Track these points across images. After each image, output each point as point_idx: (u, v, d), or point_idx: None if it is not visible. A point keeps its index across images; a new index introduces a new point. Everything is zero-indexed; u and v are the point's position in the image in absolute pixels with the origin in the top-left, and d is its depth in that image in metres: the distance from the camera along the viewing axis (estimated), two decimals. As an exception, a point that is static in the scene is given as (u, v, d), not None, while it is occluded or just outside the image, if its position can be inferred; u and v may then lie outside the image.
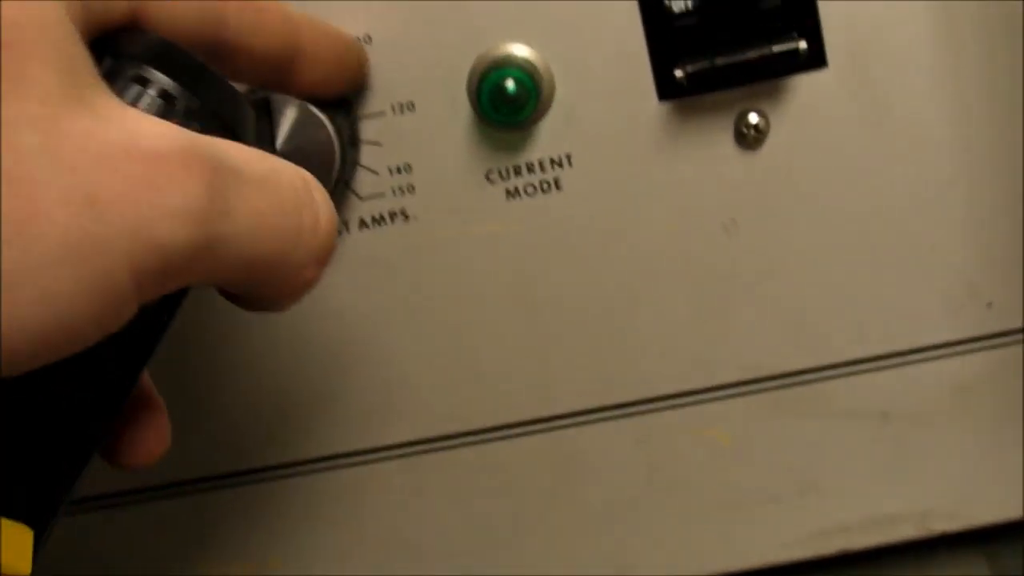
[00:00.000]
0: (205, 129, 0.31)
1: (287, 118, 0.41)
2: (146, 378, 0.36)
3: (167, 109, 0.31)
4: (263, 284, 0.32)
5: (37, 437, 0.30)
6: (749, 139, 0.43)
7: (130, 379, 0.33)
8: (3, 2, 0.26)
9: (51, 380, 0.30)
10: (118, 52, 0.31)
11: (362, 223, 0.44)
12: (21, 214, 0.25)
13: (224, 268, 0.29)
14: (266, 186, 0.30)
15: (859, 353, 0.45)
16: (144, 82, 0.31)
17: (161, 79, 0.31)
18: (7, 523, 0.29)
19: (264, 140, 0.41)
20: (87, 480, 0.32)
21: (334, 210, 0.33)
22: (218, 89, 0.32)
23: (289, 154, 0.41)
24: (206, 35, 0.34)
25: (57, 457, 0.31)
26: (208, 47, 0.34)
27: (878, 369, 0.45)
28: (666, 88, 0.43)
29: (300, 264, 0.32)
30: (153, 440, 0.35)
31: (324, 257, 0.33)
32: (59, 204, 0.25)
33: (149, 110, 0.30)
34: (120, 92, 0.30)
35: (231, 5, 0.35)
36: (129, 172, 0.26)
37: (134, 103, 0.30)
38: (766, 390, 0.46)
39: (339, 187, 0.42)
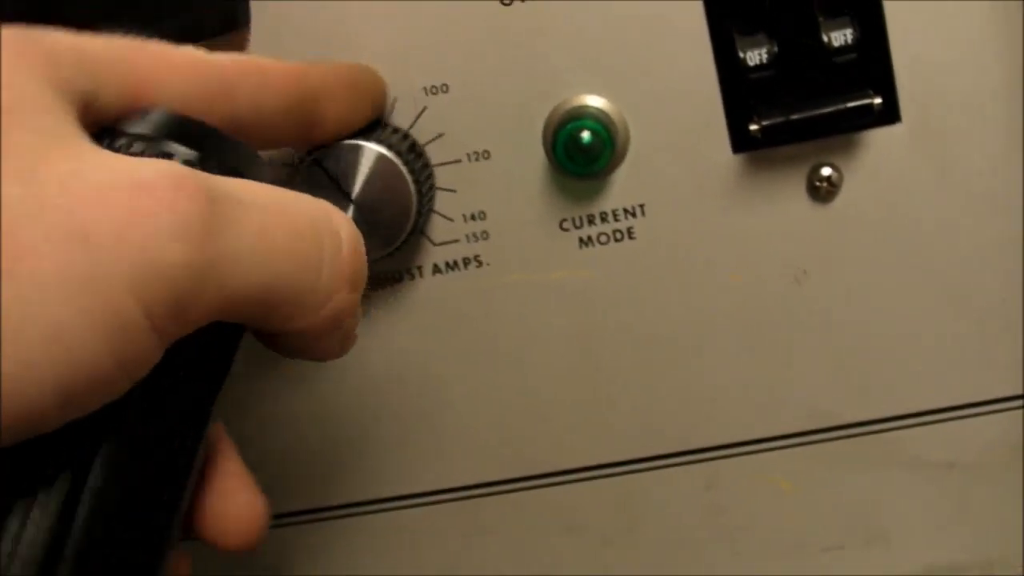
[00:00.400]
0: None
1: (363, 167, 0.42)
2: (228, 451, 0.35)
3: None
4: (293, 315, 0.31)
5: (112, 523, 0.30)
6: (822, 192, 0.44)
7: (191, 443, 0.33)
8: None
9: (116, 462, 0.30)
10: (119, 130, 0.31)
11: (435, 268, 0.45)
12: (9, 255, 0.25)
13: (239, 294, 0.29)
14: (271, 208, 0.30)
15: (925, 404, 0.46)
16: (146, 140, 0.31)
17: (162, 139, 0.31)
18: None
19: (341, 182, 0.42)
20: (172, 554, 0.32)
21: (358, 232, 0.33)
22: (222, 141, 0.32)
23: (366, 202, 0.42)
24: (217, 106, 0.34)
25: (136, 539, 0.30)
26: (224, 118, 0.34)
27: (944, 420, 0.46)
28: (740, 140, 0.43)
29: (328, 289, 0.32)
30: (243, 516, 0.34)
31: (355, 280, 0.33)
32: (47, 242, 0.26)
33: None
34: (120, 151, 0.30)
35: (229, 71, 0.35)
36: (117, 203, 0.27)
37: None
38: (833, 439, 0.46)
39: (414, 233, 0.43)
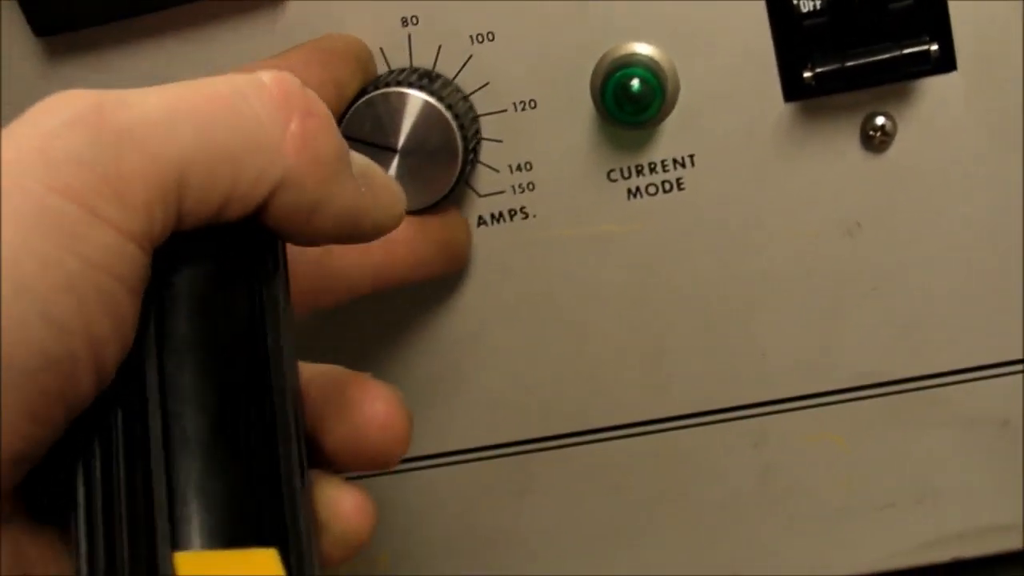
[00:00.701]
0: None
1: (409, 115, 0.41)
2: (328, 370, 0.34)
3: None
4: (259, 161, 0.29)
5: (224, 466, 0.28)
6: (875, 142, 0.43)
7: (269, 374, 0.30)
8: None
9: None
10: None
11: (481, 220, 0.44)
12: None
13: (174, 155, 0.28)
14: (174, 85, 0.29)
15: (979, 360, 0.45)
16: None
17: None
18: (247, 553, 0.27)
19: (379, 138, 0.41)
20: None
21: (283, 72, 0.31)
22: None
23: (411, 151, 0.41)
24: None
25: (252, 478, 0.28)
26: None
27: (998, 376, 0.45)
28: (793, 89, 0.42)
29: (269, 117, 0.29)
30: (380, 417, 0.32)
31: (302, 105, 0.30)
32: None
33: None
34: None
35: None
36: (18, 130, 0.27)
37: None
38: (885, 395, 0.45)
39: (459, 184, 0.42)
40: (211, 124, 0.29)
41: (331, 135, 0.31)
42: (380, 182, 0.33)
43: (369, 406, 0.33)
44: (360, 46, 0.43)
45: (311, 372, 0.33)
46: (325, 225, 0.31)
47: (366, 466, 0.33)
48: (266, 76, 0.30)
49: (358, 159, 0.32)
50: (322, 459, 0.32)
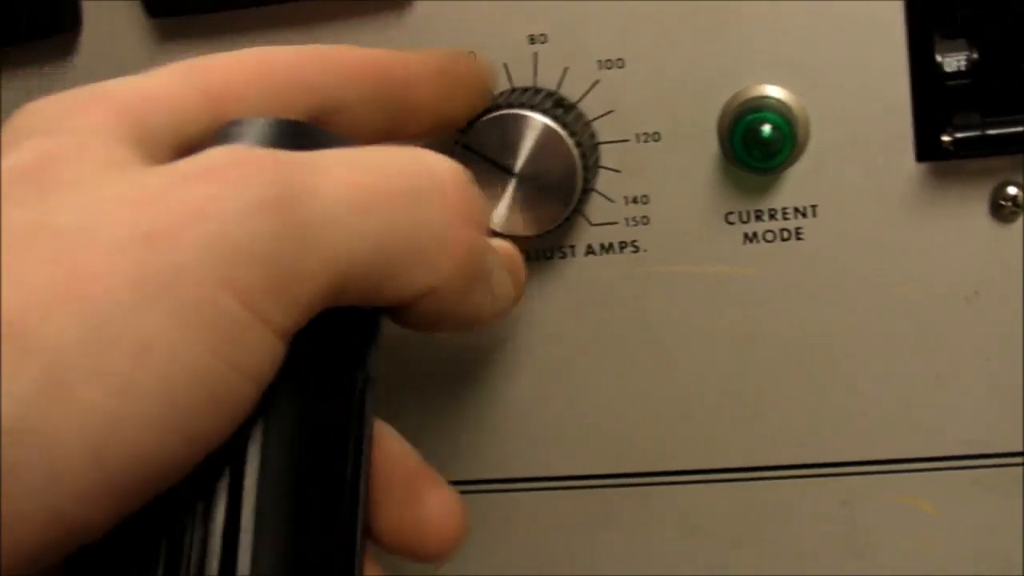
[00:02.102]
0: None
1: (527, 139, 0.40)
2: (404, 452, 0.33)
3: None
4: (415, 269, 0.28)
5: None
6: (1006, 212, 0.41)
7: (349, 444, 0.30)
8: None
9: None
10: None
11: (589, 249, 0.43)
12: (77, 280, 0.24)
13: (347, 257, 0.27)
14: (358, 160, 0.28)
15: (1084, 439, 0.44)
16: None
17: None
18: None
19: (499, 157, 0.40)
20: None
21: (459, 166, 0.30)
22: (307, 131, 0.31)
23: (528, 177, 0.40)
24: (297, 104, 0.32)
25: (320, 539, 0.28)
26: (305, 114, 0.33)
27: (1100, 456, 0.44)
28: (927, 149, 0.41)
29: (441, 227, 0.29)
30: (442, 518, 0.32)
31: (469, 214, 0.30)
32: (109, 255, 0.24)
33: None
34: None
35: (308, 68, 0.33)
36: (183, 197, 0.25)
37: None
38: (983, 467, 0.44)
39: (572, 215, 0.41)
40: (390, 228, 0.28)
41: (491, 252, 0.31)
42: (499, 286, 0.32)
43: (427, 509, 0.32)
44: (482, 81, 0.40)
45: (382, 451, 0.32)
46: (444, 325, 0.31)
47: (408, 556, 0.32)
48: (443, 170, 0.29)
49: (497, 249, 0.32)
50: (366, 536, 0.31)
